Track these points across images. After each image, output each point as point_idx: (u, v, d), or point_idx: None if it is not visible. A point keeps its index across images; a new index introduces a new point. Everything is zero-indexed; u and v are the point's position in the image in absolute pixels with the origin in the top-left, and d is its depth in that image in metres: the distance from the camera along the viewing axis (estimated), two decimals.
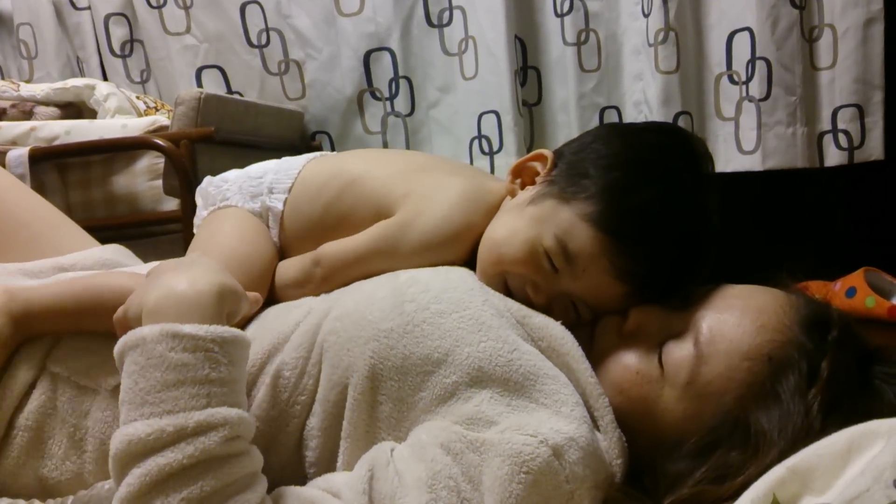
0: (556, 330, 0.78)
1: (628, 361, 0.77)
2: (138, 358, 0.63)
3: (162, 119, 1.62)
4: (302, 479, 0.75)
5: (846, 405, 0.67)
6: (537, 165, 0.86)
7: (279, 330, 0.80)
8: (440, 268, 0.83)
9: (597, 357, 0.78)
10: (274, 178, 0.95)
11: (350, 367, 0.74)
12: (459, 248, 0.86)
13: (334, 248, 0.88)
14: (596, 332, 0.81)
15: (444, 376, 0.72)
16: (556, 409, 0.71)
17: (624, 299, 0.80)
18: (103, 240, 1.07)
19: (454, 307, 0.76)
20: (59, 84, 1.77)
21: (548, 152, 0.87)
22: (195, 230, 0.99)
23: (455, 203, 0.86)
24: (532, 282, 0.81)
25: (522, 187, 0.87)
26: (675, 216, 0.78)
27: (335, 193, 0.91)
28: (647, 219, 0.77)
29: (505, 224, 0.84)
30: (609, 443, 0.73)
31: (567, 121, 1.91)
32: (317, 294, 0.87)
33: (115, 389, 0.71)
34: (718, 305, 0.76)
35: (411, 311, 0.75)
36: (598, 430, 0.74)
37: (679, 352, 0.74)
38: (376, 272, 0.85)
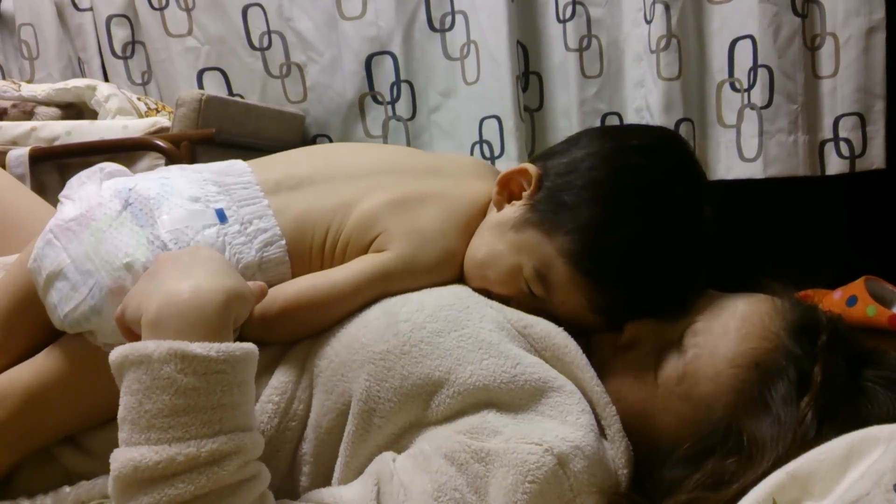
0: (558, 338, 0.77)
1: (625, 373, 0.77)
2: (142, 376, 0.59)
3: (163, 120, 1.61)
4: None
5: (841, 412, 0.67)
6: (522, 181, 0.84)
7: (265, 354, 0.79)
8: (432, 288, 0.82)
9: (594, 367, 0.77)
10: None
11: (345, 393, 0.73)
12: (450, 271, 0.85)
13: (307, 285, 0.80)
14: (591, 344, 0.81)
15: (449, 396, 0.71)
16: (561, 420, 0.70)
17: (605, 326, 0.80)
18: None
19: (452, 326, 0.75)
20: (61, 84, 1.76)
21: (532, 170, 0.83)
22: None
23: (441, 231, 0.84)
24: (515, 300, 0.81)
25: (509, 199, 0.85)
26: (655, 252, 0.76)
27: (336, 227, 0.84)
28: (622, 259, 0.76)
29: (487, 244, 0.83)
30: (616, 451, 0.72)
31: (569, 126, 1.90)
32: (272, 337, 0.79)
33: None
34: (707, 315, 0.76)
35: (406, 331, 0.74)
36: (606, 438, 0.73)
37: (672, 361, 0.75)
38: (350, 310, 0.80)
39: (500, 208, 0.85)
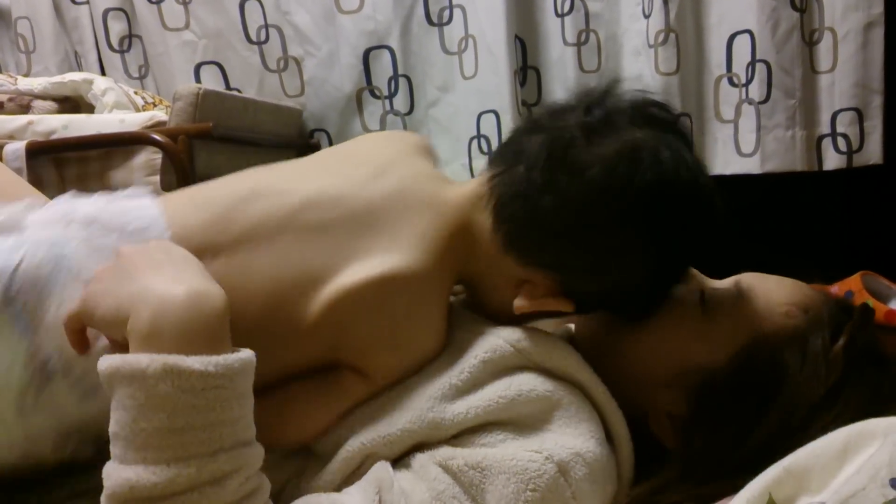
0: (558, 350, 0.75)
1: (671, 304, 0.78)
2: (136, 393, 0.55)
3: (160, 114, 1.61)
4: None
5: (868, 370, 0.71)
6: None
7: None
8: None
9: None
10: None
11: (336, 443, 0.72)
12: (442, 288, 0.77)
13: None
14: None
15: (446, 431, 0.69)
16: (561, 432, 0.70)
17: None
18: None
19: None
20: (57, 78, 1.75)
21: None
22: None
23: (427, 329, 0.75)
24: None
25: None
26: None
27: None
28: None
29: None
30: (621, 456, 0.72)
31: None
32: None
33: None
34: (756, 276, 0.80)
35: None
36: (613, 443, 0.73)
37: (721, 292, 0.78)
38: None
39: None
